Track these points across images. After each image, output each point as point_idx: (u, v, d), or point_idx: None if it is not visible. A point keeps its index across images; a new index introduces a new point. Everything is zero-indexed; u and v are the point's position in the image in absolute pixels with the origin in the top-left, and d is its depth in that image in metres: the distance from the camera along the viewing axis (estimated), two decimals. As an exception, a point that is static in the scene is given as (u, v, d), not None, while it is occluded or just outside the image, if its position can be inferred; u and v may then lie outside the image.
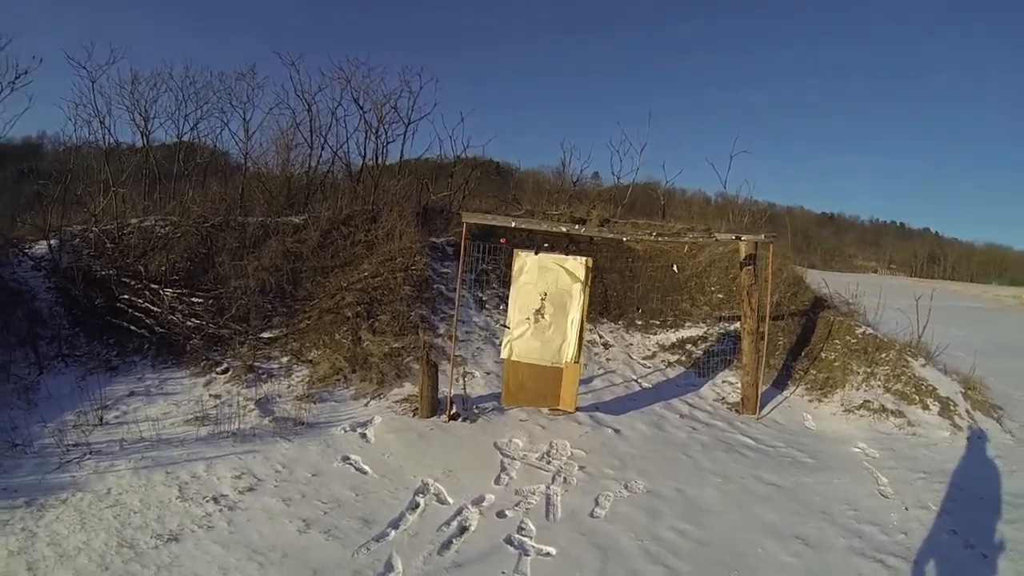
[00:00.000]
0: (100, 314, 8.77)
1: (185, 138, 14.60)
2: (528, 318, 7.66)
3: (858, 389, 9.03)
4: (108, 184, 11.38)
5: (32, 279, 9.11)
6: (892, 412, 8.39)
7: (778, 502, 5.97)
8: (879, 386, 8.94)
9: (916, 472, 6.79)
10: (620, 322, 11.54)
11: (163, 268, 9.69)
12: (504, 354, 7.77)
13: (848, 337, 10.05)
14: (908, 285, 19.03)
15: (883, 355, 9.44)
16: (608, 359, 10.33)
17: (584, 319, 7.70)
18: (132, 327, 8.71)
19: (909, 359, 9.24)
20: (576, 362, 7.69)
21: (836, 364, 9.64)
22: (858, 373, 9.30)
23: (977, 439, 7.82)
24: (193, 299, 9.25)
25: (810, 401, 9.17)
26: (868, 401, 8.71)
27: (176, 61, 34.87)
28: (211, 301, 9.33)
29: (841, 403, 8.90)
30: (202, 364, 8.40)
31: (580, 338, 7.67)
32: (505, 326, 7.85)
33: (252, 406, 7.41)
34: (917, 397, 8.53)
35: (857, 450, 7.53)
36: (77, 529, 4.87)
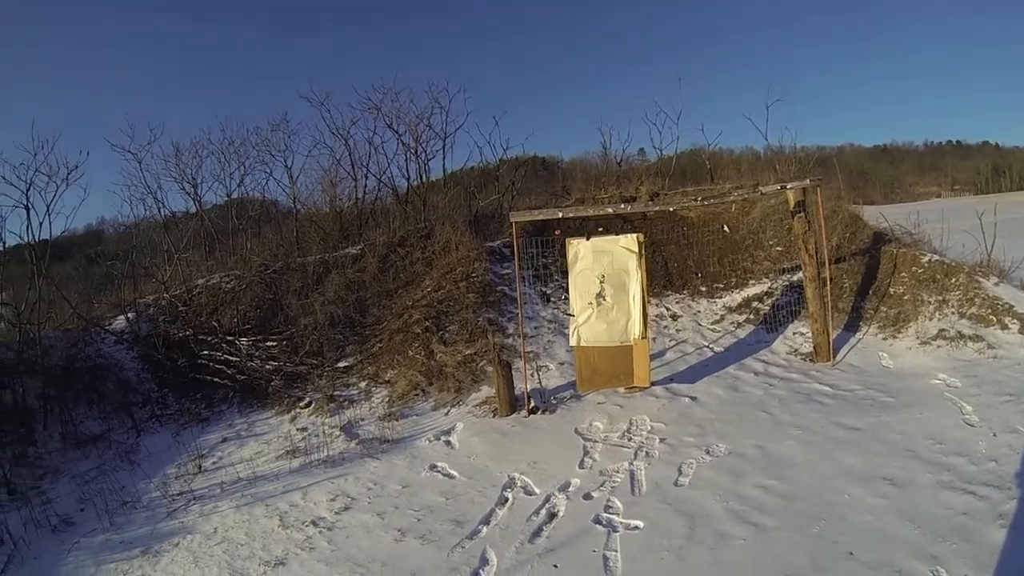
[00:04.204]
0: (184, 372, 9.29)
1: (234, 195, 15.44)
2: (590, 303, 7.76)
3: (931, 319, 8.82)
4: (171, 253, 11.99)
5: (116, 352, 9.71)
6: (970, 337, 8.18)
7: (861, 445, 5.94)
8: (953, 313, 8.71)
9: (1001, 396, 6.62)
10: (684, 291, 11.52)
11: (235, 320, 10.19)
12: (572, 342, 7.89)
13: (914, 268, 9.80)
14: (970, 204, 18.27)
15: (953, 280, 9.18)
16: (678, 330, 10.34)
17: (645, 294, 7.75)
18: (215, 379, 9.19)
19: (981, 280, 8.98)
20: (644, 338, 7.74)
21: (906, 297, 9.42)
22: (929, 303, 9.07)
23: (1063, 350, 7.53)
24: (268, 343, 9.69)
25: (884, 339, 9.00)
26: (944, 330, 8.50)
27: (212, 126, 36.47)
28: (285, 342, 9.74)
29: (916, 336, 8.70)
30: (285, 402, 8.77)
31: (644, 313, 7.72)
32: (569, 314, 7.97)
33: (338, 433, 7.73)
34: (994, 318, 8.29)
35: (937, 382, 7.37)
36: (191, 568, 5.23)
